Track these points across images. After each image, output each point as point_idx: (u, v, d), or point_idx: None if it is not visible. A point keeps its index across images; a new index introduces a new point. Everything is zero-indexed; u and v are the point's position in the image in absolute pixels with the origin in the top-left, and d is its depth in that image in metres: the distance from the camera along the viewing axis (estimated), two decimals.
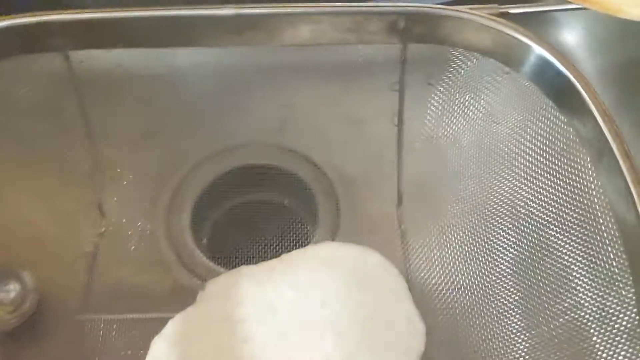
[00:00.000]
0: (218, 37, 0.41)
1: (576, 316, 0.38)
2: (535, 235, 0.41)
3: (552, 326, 0.38)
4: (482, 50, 0.39)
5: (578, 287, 0.38)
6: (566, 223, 0.38)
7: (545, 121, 0.40)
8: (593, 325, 0.37)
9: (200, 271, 0.51)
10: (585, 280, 0.37)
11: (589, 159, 0.37)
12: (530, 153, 0.41)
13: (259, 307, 0.44)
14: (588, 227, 0.37)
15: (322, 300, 0.44)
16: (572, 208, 0.38)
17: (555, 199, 0.39)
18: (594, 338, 0.36)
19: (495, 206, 0.44)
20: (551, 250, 0.40)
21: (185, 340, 0.42)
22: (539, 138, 0.41)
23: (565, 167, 0.39)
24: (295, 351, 0.42)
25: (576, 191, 0.38)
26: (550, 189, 0.40)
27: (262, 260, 0.48)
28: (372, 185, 0.55)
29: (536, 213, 0.41)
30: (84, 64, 0.46)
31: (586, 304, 0.37)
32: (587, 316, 0.37)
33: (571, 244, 0.38)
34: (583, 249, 0.37)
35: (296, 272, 0.46)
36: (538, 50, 0.36)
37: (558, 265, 0.40)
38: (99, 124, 0.49)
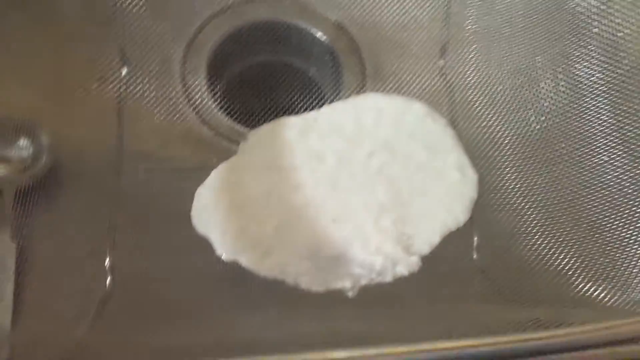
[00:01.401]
0: None
1: None
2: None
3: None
4: None
5: None
6: None
7: None
8: None
9: (224, 130, 0.48)
10: None
11: None
12: None
13: (306, 156, 0.42)
14: None
15: (371, 150, 0.43)
16: None
17: None
18: None
19: (546, 49, 0.42)
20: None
21: (232, 188, 0.40)
22: None
23: None
24: (348, 198, 0.41)
25: None
26: None
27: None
28: (399, 40, 0.52)
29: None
30: None
31: None
32: None
33: None
34: None
35: (341, 121, 0.44)
36: None
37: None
38: None
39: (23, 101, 0.44)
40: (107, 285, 0.38)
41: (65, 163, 0.43)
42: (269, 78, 0.58)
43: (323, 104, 0.52)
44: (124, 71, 0.46)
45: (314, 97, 0.54)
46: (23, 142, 0.43)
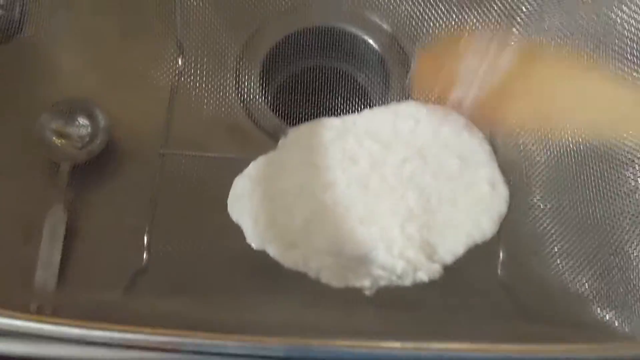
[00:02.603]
0: None
1: None
2: None
3: None
4: None
5: None
6: None
7: None
8: None
9: (268, 127, 0.50)
10: None
11: None
12: None
13: (341, 157, 0.44)
14: None
15: (405, 157, 0.44)
16: None
17: None
18: None
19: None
20: None
21: (268, 181, 0.42)
22: None
23: None
24: (377, 201, 0.42)
25: None
26: None
27: None
28: None
29: None
30: None
31: None
32: None
33: None
34: None
35: (378, 126, 0.45)
36: None
37: None
38: None
39: (86, 84, 0.48)
40: (144, 260, 0.41)
41: (118, 143, 0.47)
42: (320, 81, 0.59)
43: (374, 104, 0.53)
44: (180, 62, 0.49)
45: (360, 102, 0.56)
46: (83, 121, 0.47)
